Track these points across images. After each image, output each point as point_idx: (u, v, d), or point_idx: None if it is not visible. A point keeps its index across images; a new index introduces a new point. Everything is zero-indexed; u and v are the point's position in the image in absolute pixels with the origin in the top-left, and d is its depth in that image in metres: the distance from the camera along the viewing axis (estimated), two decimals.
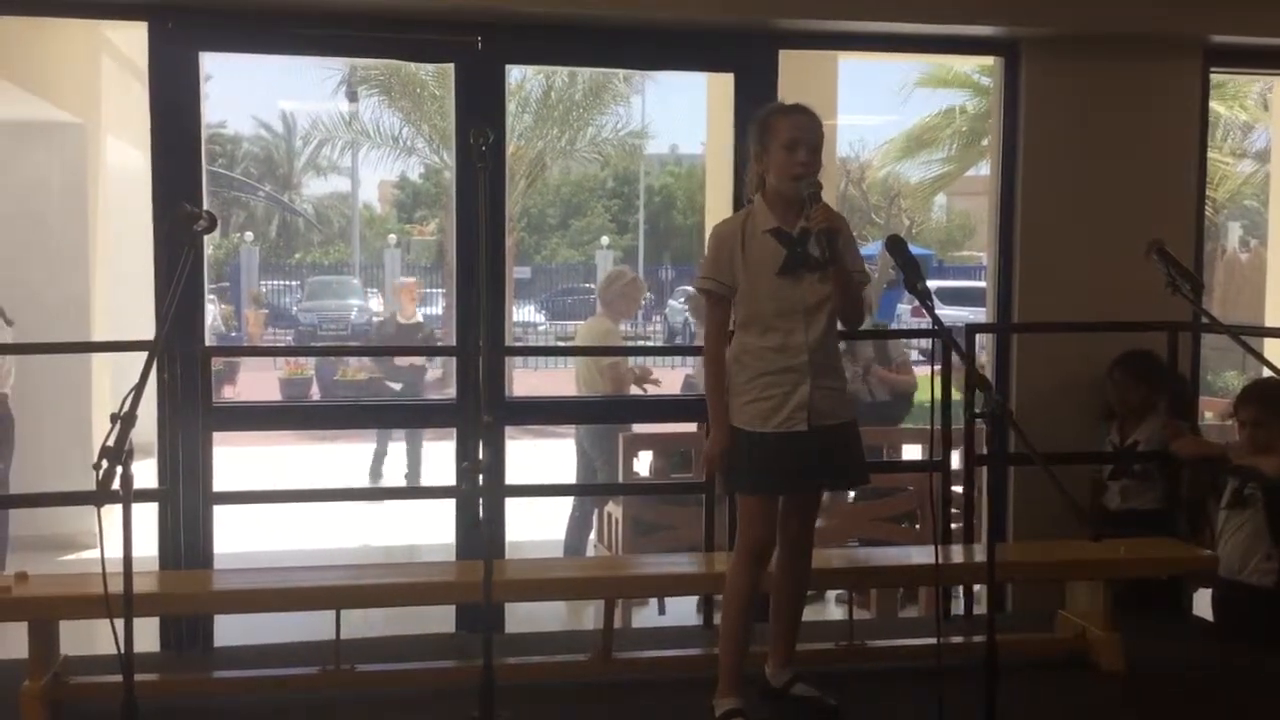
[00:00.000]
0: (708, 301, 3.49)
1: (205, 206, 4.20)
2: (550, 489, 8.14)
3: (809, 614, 3.78)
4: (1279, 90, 7.94)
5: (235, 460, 8.62)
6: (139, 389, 2.62)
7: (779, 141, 3.35)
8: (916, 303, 3.20)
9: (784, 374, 3.35)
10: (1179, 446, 4.65)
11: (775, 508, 3.44)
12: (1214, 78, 5.30)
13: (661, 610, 5.75)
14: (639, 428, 6.11)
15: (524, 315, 25.89)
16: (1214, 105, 13.88)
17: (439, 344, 12.29)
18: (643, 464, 6.13)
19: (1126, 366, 4.79)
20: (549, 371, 18.77)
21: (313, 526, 7.48)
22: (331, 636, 3.73)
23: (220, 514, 4.29)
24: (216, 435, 4.27)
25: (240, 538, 5.94)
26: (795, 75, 5.00)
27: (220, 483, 4.30)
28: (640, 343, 22.66)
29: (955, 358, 3.78)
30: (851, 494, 5.60)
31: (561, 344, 19.13)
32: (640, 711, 3.69)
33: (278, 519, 7.19)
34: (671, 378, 8.85)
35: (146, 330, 3.86)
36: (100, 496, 2.44)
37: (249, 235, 32.25)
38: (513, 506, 4.65)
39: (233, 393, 15.30)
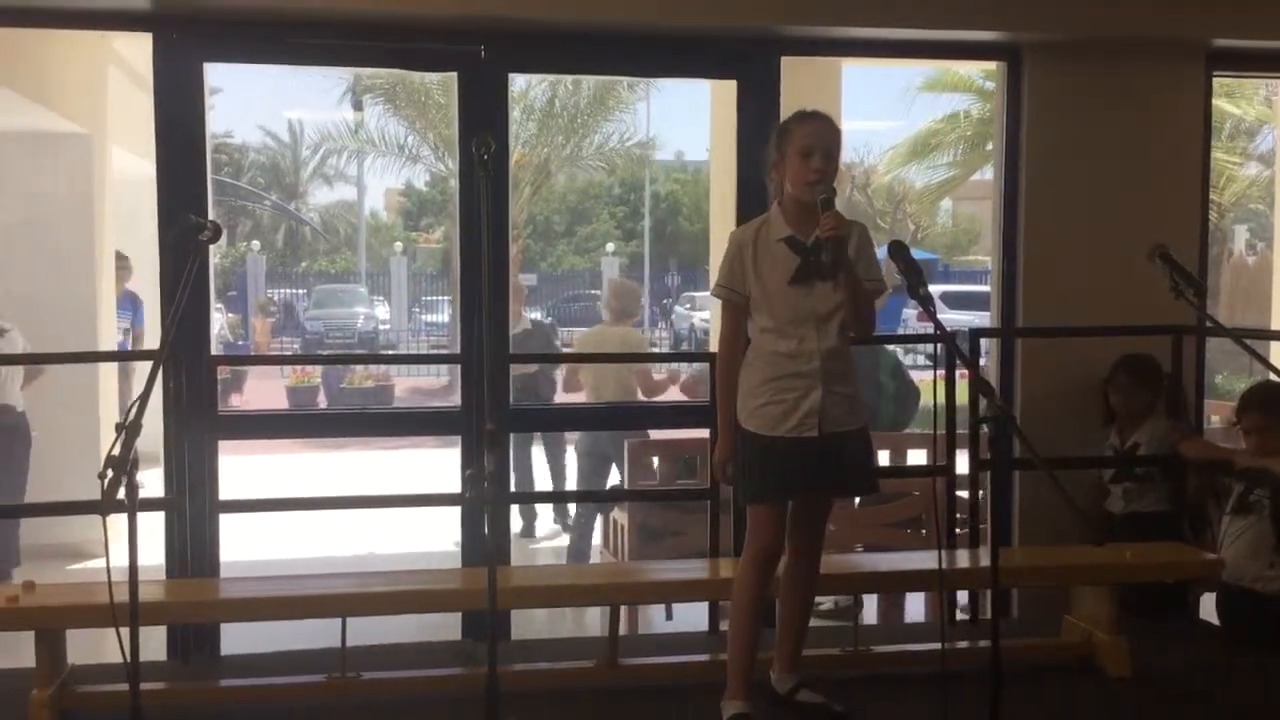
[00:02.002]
0: (722, 308, 3.51)
1: (211, 216, 4.23)
2: (555, 496, 8.20)
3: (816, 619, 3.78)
4: None
5: (243, 469, 8.65)
6: (144, 398, 2.62)
7: (795, 148, 3.35)
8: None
9: (795, 379, 3.36)
10: (1186, 448, 4.65)
11: (784, 513, 3.44)
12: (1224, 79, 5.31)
13: (669, 616, 5.75)
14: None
15: None
16: (1224, 105, 13.95)
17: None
18: (649, 469, 6.12)
19: (1131, 370, 4.78)
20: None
21: (320, 534, 7.50)
22: (338, 644, 3.74)
23: (227, 523, 4.30)
24: (223, 444, 4.28)
25: (247, 546, 5.93)
26: (799, 81, 5.00)
27: (227, 491, 4.31)
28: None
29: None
30: (857, 500, 5.60)
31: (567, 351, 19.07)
32: (647, 718, 3.69)
33: (285, 527, 7.21)
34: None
35: (153, 339, 3.87)
36: (105, 506, 2.44)
37: (256, 244, 32.30)
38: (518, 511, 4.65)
39: (240, 401, 15.34)
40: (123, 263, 8.45)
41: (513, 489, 7.38)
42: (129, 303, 8.82)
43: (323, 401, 15.61)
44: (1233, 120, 15.43)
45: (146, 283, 8.16)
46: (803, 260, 3.39)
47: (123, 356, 8.21)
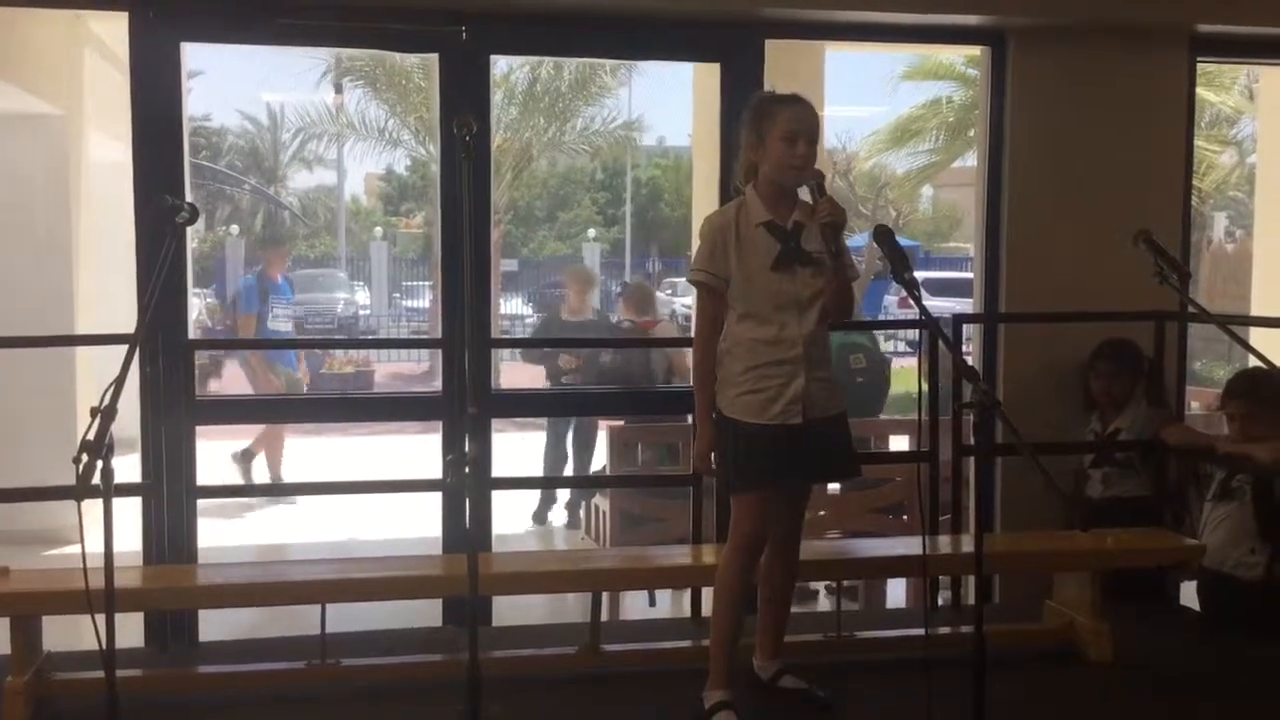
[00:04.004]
0: (700, 294, 3.47)
1: (188, 198, 4.17)
2: (537, 481, 8.16)
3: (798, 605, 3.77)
4: (1265, 80, 7.93)
5: (222, 454, 8.59)
6: (119, 382, 2.59)
7: (777, 133, 3.31)
8: (903, 294, 3.19)
9: (778, 366, 3.33)
10: (1168, 434, 4.65)
11: (768, 500, 3.42)
12: (1204, 66, 5.31)
13: (651, 602, 5.74)
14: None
15: (511, 308, 25.89)
16: (1205, 93, 14.00)
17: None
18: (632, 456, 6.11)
19: (1112, 356, 4.79)
20: None
21: (299, 520, 7.46)
22: (317, 631, 3.71)
23: (205, 508, 4.26)
24: (202, 429, 4.24)
25: (226, 532, 5.90)
26: (783, 66, 4.98)
27: (205, 476, 4.27)
28: None
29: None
30: (836, 486, 5.59)
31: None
32: (629, 704, 3.68)
33: (264, 513, 7.17)
34: None
35: (131, 323, 3.82)
36: (80, 491, 2.41)
37: (234, 228, 32.08)
38: (499, 499, 4.63)
39: (219, 386, 15.24)
40: (280, 247, 9.12)
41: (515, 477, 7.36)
42: (288, 287, 9.28)
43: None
44: (1212, 109, 15.48)
45: (125, 266, 8.06)
46: (783, 246, 3.36)
47: (96, 341, 8.09)
